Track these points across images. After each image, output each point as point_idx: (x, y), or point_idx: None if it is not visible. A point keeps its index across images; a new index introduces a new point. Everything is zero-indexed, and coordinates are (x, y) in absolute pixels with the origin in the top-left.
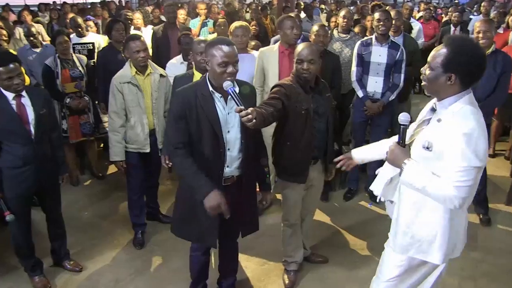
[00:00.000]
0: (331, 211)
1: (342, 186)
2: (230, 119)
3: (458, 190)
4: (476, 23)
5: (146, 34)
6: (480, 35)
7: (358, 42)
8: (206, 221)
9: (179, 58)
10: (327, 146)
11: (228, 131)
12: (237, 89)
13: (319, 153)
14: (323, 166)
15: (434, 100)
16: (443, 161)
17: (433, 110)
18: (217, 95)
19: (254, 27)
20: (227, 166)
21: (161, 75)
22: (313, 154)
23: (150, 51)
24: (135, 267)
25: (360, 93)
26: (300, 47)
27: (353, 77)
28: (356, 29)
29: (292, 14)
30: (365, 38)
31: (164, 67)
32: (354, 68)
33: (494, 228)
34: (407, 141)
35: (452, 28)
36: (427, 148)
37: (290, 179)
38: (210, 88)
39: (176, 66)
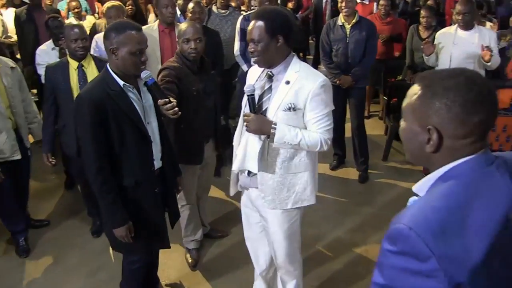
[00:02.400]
0: (225, 185)
1: (232, 160)
2: (146, 110)
3: (328, 133)
4: None
5: (7, 17)
6: (343, 4)
7: (241, 17)
8: (154, 225)
9: (49, 44)
10: (216, 123)
11: (148, 123)
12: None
13: (210, 131)
14: (214, 143)
15: (257, 72)
16: (305, 115)
17: (270, 77)
18: (128, 87)
19: (130, 7)
20: (154, 160)
21: (11, 67)
22: (205, 133)
23: (15, 37)
24: (27, 272)
25: (244, 67)
26: (184, 26)
27: (237, 52)
28: (233, 4)
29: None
30: (248, 12)
31: (31, 54)
32: (237, 42)
33: (375, 183)
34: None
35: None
36: (292, 109)
37: (187, 161)
38: (121, 82)
39: (47, 52)
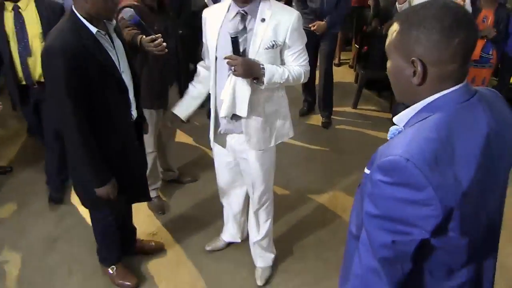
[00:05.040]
0: (192, 131)
1: (203, 104)
2: (119, 57)
3: (307, 65)
4: None
5: None
6: None
7: None
8: (137, 180)
9: None
10: (179, 66)
11: (123, 71)
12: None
13: (173, 74)
14: (178, 87)
15: (218, 14)
16: (284, 51)
17: (243, 17)
18: (101, 34)
19: None
20: (132, 110)
21: None
22: (169, 76)
23: None
24: None
25: None
26: None
27: None
28: None
29: None
30: None
31: None
32: None
33: (344, 130)
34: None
35: None
36: (275, 46)
37: (152, 105)
38: (94, 29)
39: None
